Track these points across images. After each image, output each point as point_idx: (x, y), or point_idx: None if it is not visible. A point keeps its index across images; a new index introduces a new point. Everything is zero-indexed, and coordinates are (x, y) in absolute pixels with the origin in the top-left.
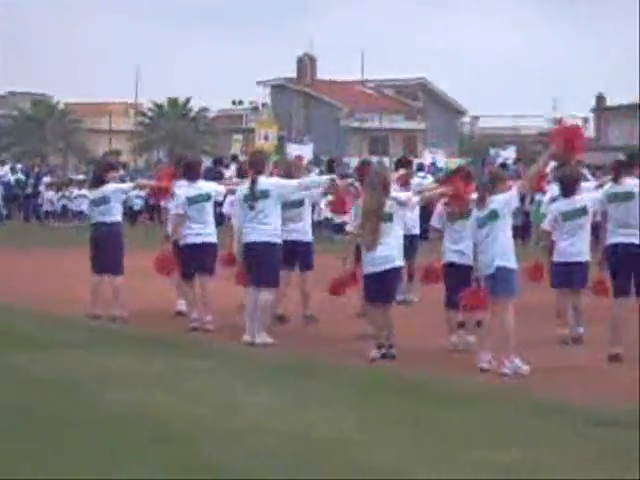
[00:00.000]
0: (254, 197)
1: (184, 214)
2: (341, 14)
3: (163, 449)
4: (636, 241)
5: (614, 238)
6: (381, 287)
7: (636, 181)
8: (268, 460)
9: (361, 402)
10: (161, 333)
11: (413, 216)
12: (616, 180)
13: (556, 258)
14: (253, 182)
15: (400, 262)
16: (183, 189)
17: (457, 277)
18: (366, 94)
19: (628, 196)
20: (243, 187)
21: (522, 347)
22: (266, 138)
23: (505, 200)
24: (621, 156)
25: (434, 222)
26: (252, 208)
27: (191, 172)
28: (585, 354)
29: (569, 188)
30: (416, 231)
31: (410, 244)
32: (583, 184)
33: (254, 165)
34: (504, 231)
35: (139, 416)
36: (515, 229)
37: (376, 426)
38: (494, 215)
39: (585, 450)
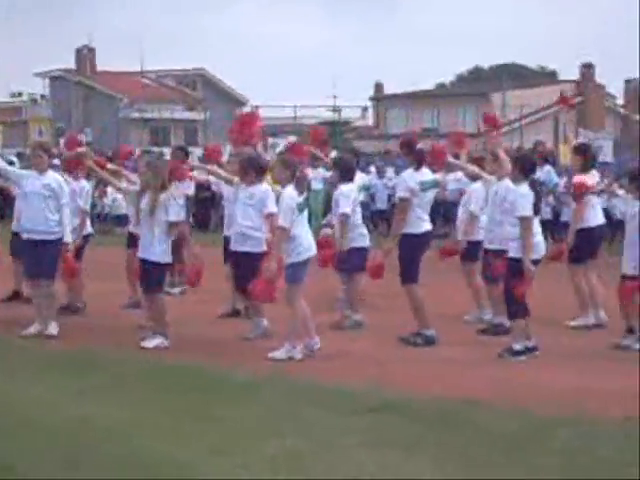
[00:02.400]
0: None
1: None
2: (120, 5)
3: None
4: None
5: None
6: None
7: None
8: (38, 455)
9: (141, 394)
10: None
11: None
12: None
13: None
14: None
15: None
16: None
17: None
18: (146, 85)
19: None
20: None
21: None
22: (40, 133)
23: None
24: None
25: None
26: None
27: None
28: (363, 341)
29: (348, 174)
30: None
31: None
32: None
33: None
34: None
35: None
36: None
37: (153, 418)
38: None
39: (355, 435)
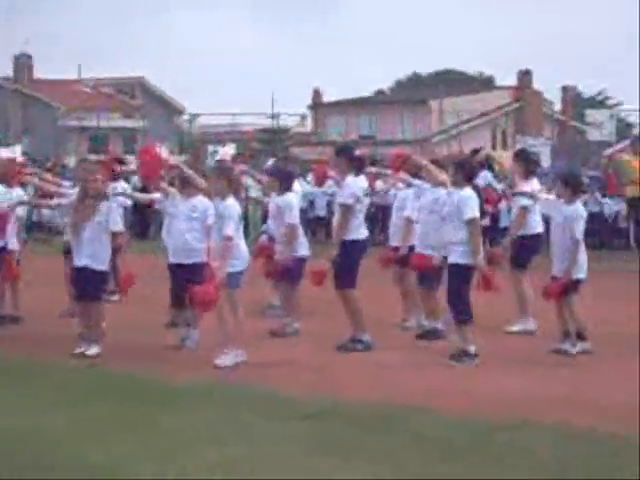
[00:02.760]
0: None
1: None
2: (58, 13)
3: None
4: None
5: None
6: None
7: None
8: None
9: (75, 402)
10: None
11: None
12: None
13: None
14: None
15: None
16: None
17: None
18: (84, 93)
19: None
20: None
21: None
22: None
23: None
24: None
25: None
26: None
27: None
28: (300, 348)
29: (287, 183)
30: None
31: None
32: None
33: None
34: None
35: None
36: None
37: (90, 425)
38: None
39: (294, 441)
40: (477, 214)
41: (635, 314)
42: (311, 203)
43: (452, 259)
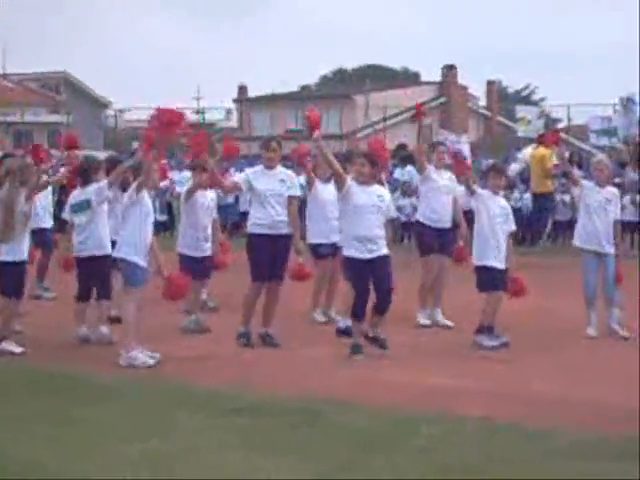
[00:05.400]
0: None
1: None
2: None
3: None
4: None
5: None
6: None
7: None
8: None
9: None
10: None
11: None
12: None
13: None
14: None
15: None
16: None
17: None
18: (8, 88)
19: None
20: None
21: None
22: None
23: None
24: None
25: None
26: None
27: None
28: (225, 342)
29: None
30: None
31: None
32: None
33: None
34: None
35: None
36: None
37: (11, 422)
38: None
39: (220, 437)
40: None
41: (555, 308)
42: (236, 199)
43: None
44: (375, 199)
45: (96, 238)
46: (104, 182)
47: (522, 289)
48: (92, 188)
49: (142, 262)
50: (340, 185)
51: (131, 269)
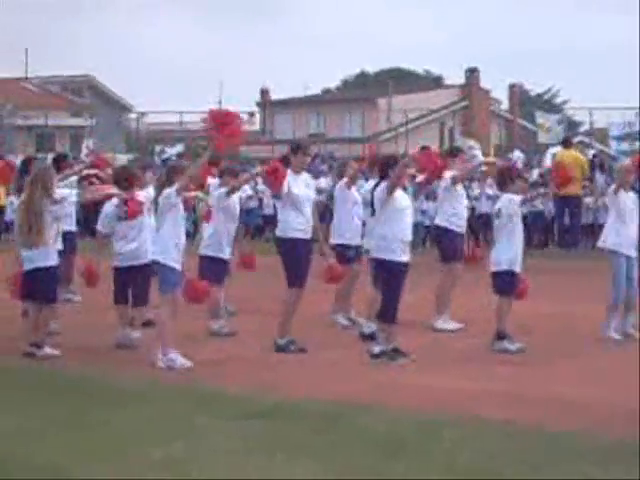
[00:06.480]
0: None
1: None
2: (4, 10)
3: None
4: None
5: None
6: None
7: None
8: None
9: (23, 401)
10: None
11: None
12: None
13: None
14: None
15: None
16: None
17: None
18: (30, 91)
19: None
20: None
21: (183, 340)
22: None
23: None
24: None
25: (100, 225)
26: None
27: None
28: (247, 346)
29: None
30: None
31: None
32: None
33: None
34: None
35: None
36: None
37: (36, 425)
38: None
39: (241, 440)
40: None
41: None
42: (260, 202)
43: (378, 255)
44: (410, 202)
45: (144, 245)
46: (172, 189)
47: (525, 291)
48: (146, 194)
49: (178, 266)
50: (391, 190)
51: (167, 273)
